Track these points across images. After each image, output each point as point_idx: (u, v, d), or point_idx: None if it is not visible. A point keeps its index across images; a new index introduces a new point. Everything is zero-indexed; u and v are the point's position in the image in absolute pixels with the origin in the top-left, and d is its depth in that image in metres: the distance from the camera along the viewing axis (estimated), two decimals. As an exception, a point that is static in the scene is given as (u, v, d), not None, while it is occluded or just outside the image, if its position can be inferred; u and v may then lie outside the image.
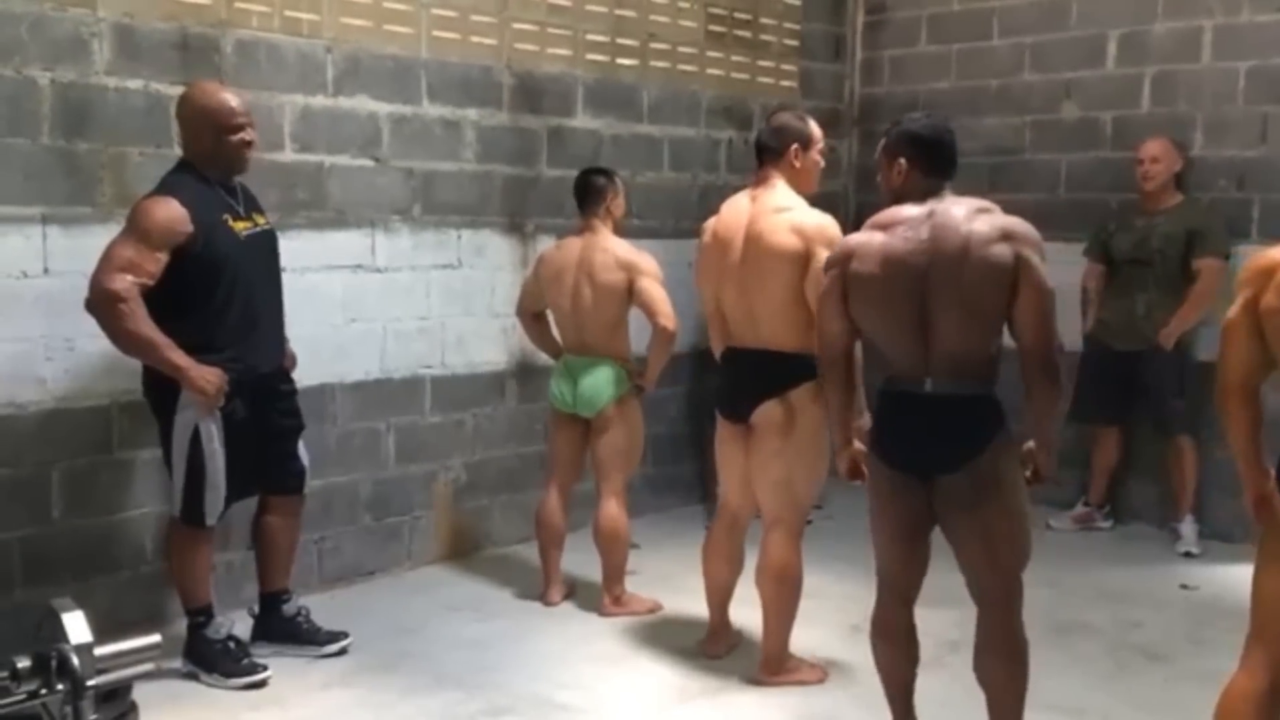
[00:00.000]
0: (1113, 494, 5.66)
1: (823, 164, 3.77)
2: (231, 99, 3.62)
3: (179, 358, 3.44)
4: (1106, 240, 5.42)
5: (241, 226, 3.63)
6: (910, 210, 2.95)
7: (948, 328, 2.86)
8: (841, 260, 3.04)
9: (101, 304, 3.40)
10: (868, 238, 2.99)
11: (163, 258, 3.42)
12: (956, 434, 2.89)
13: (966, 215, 2.87)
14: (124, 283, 3.36)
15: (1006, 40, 6.06)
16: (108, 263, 3.39)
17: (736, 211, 3.70)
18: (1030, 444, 2.94)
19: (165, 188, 3.53)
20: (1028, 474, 2.96)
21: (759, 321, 3.62)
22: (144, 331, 3.40)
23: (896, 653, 3.16)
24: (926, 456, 2.92)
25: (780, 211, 3.57)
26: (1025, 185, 5.85)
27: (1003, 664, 2.99)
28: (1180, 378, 5.22)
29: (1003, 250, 2.80)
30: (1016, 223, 2.88)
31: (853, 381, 3.17)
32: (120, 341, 3.47)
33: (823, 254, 3.46)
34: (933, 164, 2.99)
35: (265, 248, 3.74)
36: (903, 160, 3.01)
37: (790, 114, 3.76)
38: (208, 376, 3.47)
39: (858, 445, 3.16)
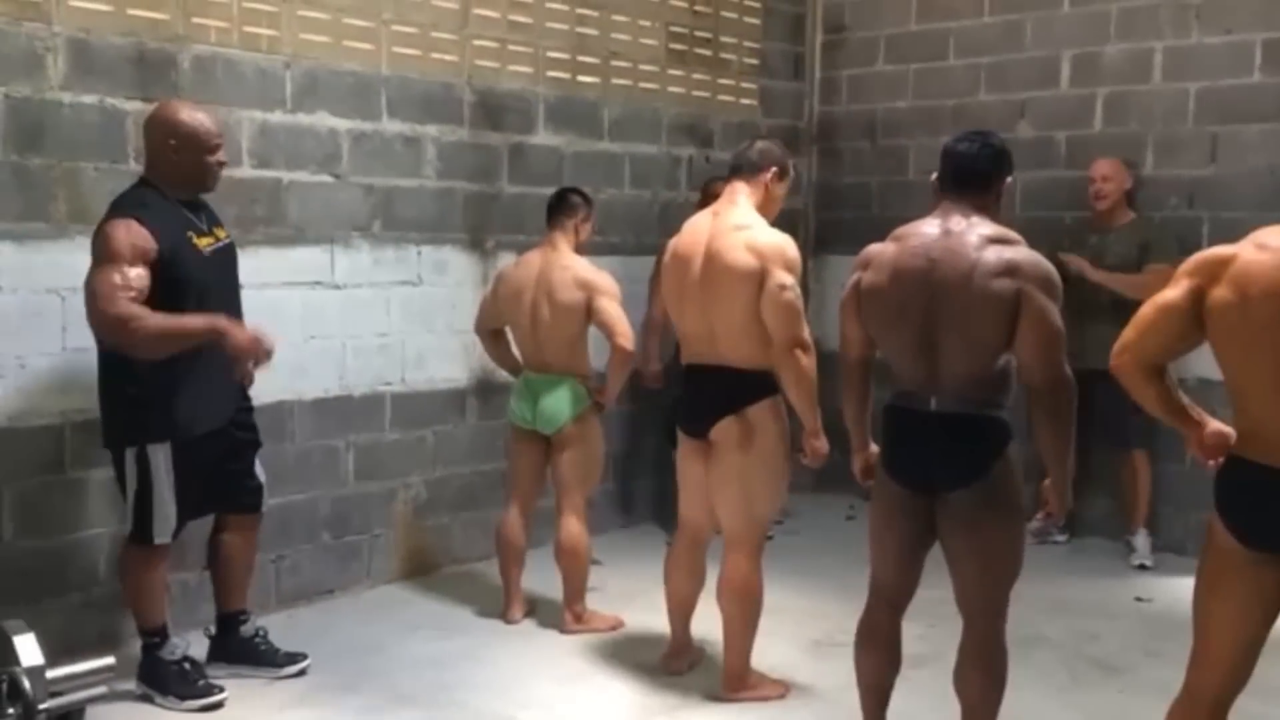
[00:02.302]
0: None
1: (782, 203, 3.81)
2: (209, 120, 3.58)
3: (205, 322, 3.41)
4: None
5: (205, 243, 3.60)
6: (927, 225, 2.96)
7: (952, 349, 2.88)
8: (859, 267, 3.07)
9: (113, 329, 3.36)
10: (884, 247, 3.02)
11: (144, 273, 3.37)
12: (962, 453, 2.92)
13: (978, 242, 2.86)
14: (122, 302, 3.32)
15: (962, 60, 6.14)
16: (96, 296, 3.34)
17: (696, 230, 3.71)
18: (1047, 481, 2.96)
19: (124, 208, 3.47)
20: (1041, 514, 3.00)
21: (718, 339, 3.64)
22: (164, 325, 3.37)
23: (880, 660, 3.18)
24: (932, 474, 2.95)
25: (739, 230, 3.58)
26: (981, 203, 5.91)
27: (983, 677, 3.03)
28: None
29: (1005, 285, 2.80)
30: (1027, 257, 2.86)
31: (868, 388, 3.19)
32: (149, 348, 3.41)
33: (778, 273, 3.50)
34: (945, 178, 3.00)
35: (227, 263, 3.72)
36: (934, 175, 3.05)
37: (775, 144, 3.81)
38: (244, 337, 3.45)
39: (874, 448, 3.20)
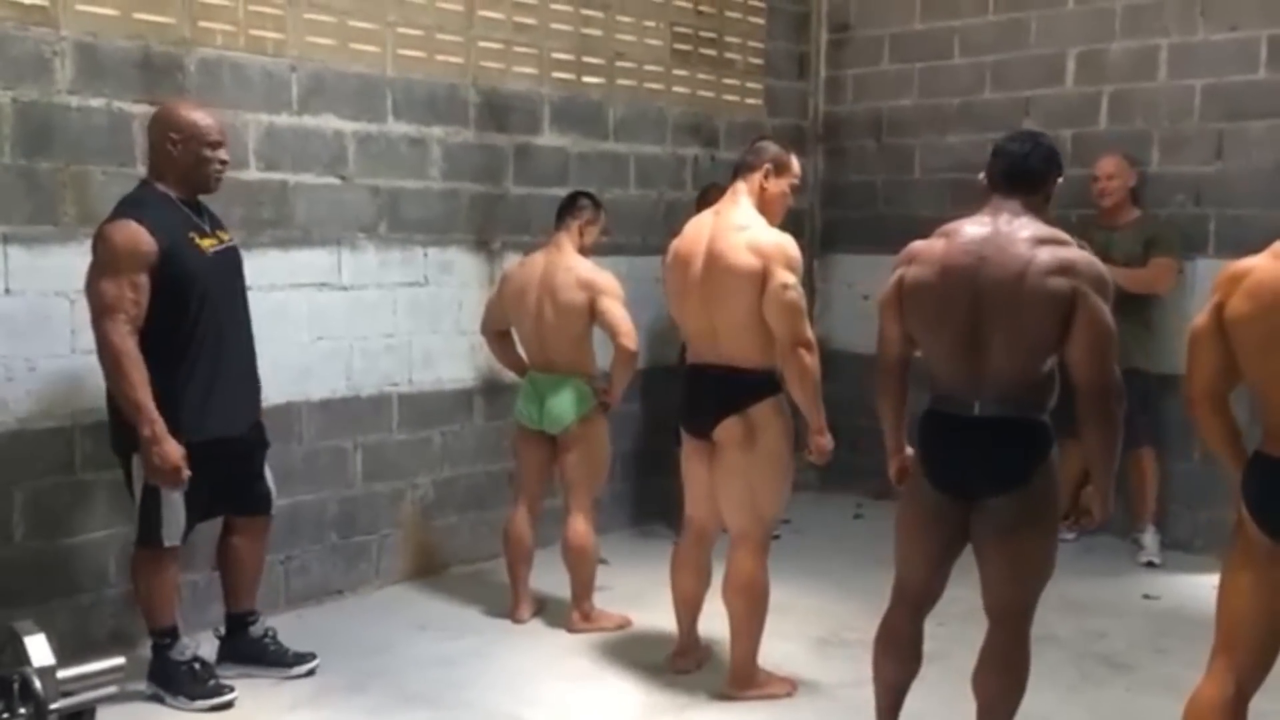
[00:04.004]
0: (1076, 506, 5.71)
1: (790, 201, 3.79)
2: (209, 117, 3.61)
3: (153, 428, 3.39)
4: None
5: (208, 244, 3.60)
6: (976, 223, 2.93)
7: (999, 350, 2.84)
8: (903, 263, 3.03)
9: (105, 356, 3.41)
10: (931, 243, 2.98)
11: (140, 280, 3.39)
12: (1005, 459, 2.89)
13: (1029, 242, 2.84)
14: (120, 333, 3.36)
15: (967, 59, 6.14)
16: (95, 307, 3.39)
17: (698, 230, 3.72)
18: (1089, 488, 2.94)
19: (122, 209, 3.49)
20: (1084, 516, 3.00)
21: (720, 338, 3.64)
22: (131, 385, 3.38)
23: (900, 663, 3.16)
24: (972, 480, 2.92)
25: (740, 230, 3.59)
26: (987, 201, 5.91)
27: (1004, 678, 3.01)
28: (1143, 391, 5.28)
29: (1061, 283, 2.78)
30: (1081, 257, 2.85)
31: (905, 390, 3.14)
32: (110, 382, 3.45)
33: (780, 273, 3.50)
34: (996, 176, 2.98)
35: (231, 266, 3.72)
36: (982, 174, 3.03)
37: (773, 143, 3.81)
38: (169, 459, 3.42)
39: (910, 450, 3.15)
